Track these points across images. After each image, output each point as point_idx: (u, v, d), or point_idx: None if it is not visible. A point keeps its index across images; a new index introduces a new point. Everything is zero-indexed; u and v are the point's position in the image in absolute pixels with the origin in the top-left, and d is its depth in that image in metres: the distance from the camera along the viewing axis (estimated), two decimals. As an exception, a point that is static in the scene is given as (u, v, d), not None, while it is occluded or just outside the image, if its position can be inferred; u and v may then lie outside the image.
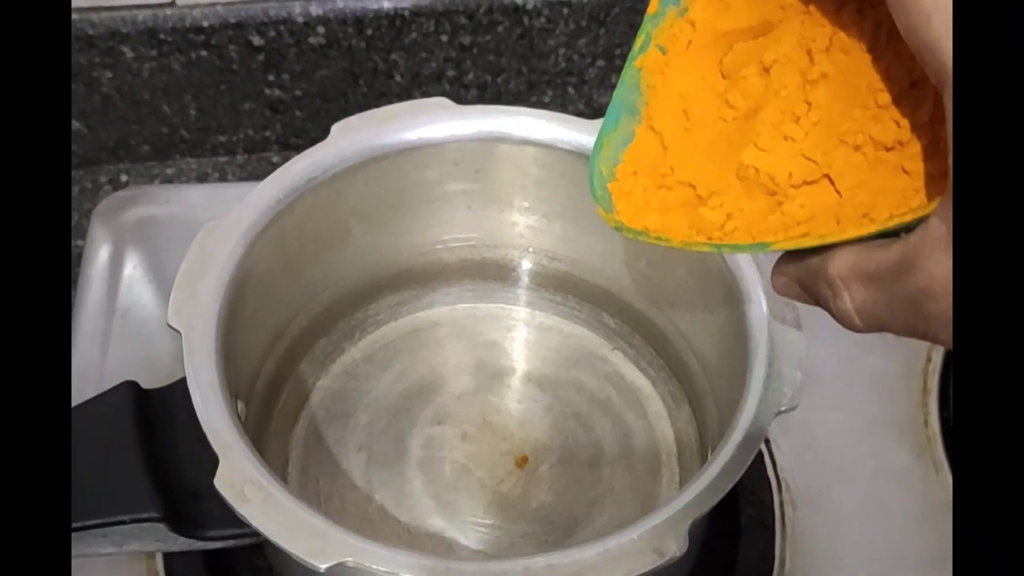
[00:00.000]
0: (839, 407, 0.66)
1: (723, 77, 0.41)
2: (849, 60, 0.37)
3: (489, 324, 0.68)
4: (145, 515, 0.50)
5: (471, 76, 0.80)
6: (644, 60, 0.42)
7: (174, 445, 0.52)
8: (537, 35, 0.78)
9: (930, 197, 0.35)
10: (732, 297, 0.55)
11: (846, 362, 0.67)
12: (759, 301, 0.54)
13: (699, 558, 0.58)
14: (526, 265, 0.67)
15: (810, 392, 0.52)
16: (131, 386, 0.53)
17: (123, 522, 0.50)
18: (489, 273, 0.67)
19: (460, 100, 0.79)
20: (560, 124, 0.59)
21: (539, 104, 0.82)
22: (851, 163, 0.37)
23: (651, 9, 0.42)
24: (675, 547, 0.46)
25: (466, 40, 0.77)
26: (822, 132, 0.38)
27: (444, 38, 0.77)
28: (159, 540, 0.51)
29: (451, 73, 0.79)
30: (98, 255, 0.71)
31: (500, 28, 0.77)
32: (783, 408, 0.51)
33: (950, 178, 0.31)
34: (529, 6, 0.76)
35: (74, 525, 0.49)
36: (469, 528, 0.59)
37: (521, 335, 0.68)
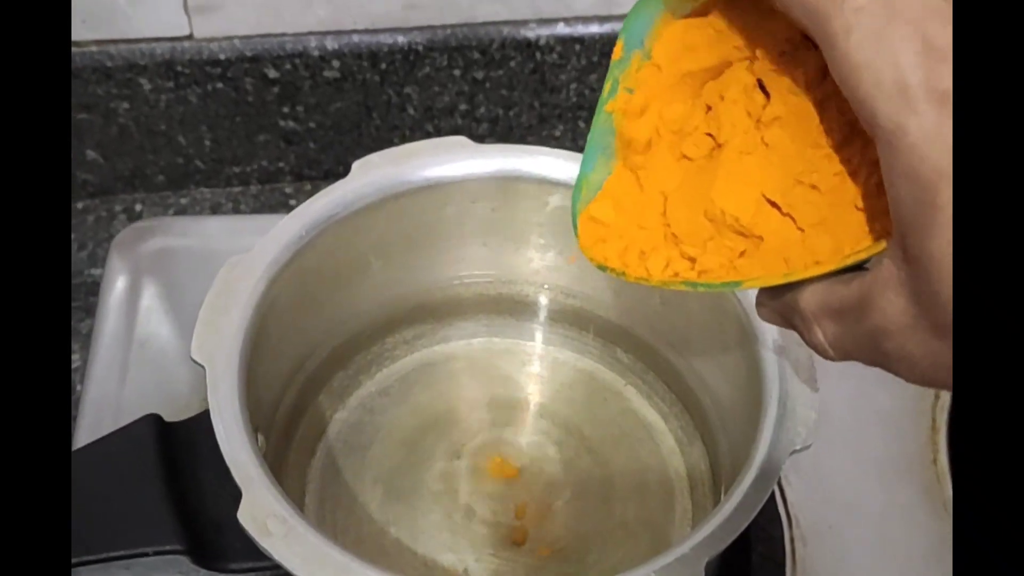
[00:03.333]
0: (849, 444, 0.66)
1: (688, 120, 0.42)
2: (799, 101, 0.38)
3: (504, 359, 0.68)
4: (168, 547, 0.50)
5: (483, 110, 0.81)
6: (614, 104, 0.43)
7: (197, 478, 0.53)
8: (549, 70, 0.79)
9: (884, 234, 0.35)
10: (746, 336, 0.56)
11: (855, 399, 0.67)
12: (773, 341, 0.54)
13: (711, 594, 0.58)
14: (541, 301, 0.68)
15: (820, 429, 0.53)
16: (154, 419, 0.54)
17: (146, 554, 0.50)
18: (505, 309, 0.68)
19: (472, 133, 0.81)
20: (577, 163, 0.60)
21: (550, 138, 0.83)
22: (809, 202, 0.38)
23: (616, 55, 0.43)
24: (691, 584, 0.46)
25: (479, 75, 0.78)
26: (780, 173, 0.39)
27: (457, 72, 0.78)
28: (181, 572, 0.52)
29: (463, 107, 0.80)
30: (116, 285, 0.71)
31: (512, 63, 0.78)
32: (797, 448, 0.51)
33: (893, 220, 0.32)
34: (541, 42, 0.77)
35: (97, 557, 0.50)
36: (484, 562, 0.59)
37: (536, 370, 0.68)
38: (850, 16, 0.32)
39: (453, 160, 0.61)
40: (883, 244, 0.35)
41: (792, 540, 0.63)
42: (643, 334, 0.65)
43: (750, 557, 0.62)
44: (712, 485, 0.62)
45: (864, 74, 0.32)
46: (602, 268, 0.44)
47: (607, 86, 0.43)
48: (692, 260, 0.42)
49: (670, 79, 0.42)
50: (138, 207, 0.81)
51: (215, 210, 0.81)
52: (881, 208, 0.36)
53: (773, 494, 0.64)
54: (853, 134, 0.37)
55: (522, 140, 0.83)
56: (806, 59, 0.38)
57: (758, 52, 0.39)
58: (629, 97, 0.43)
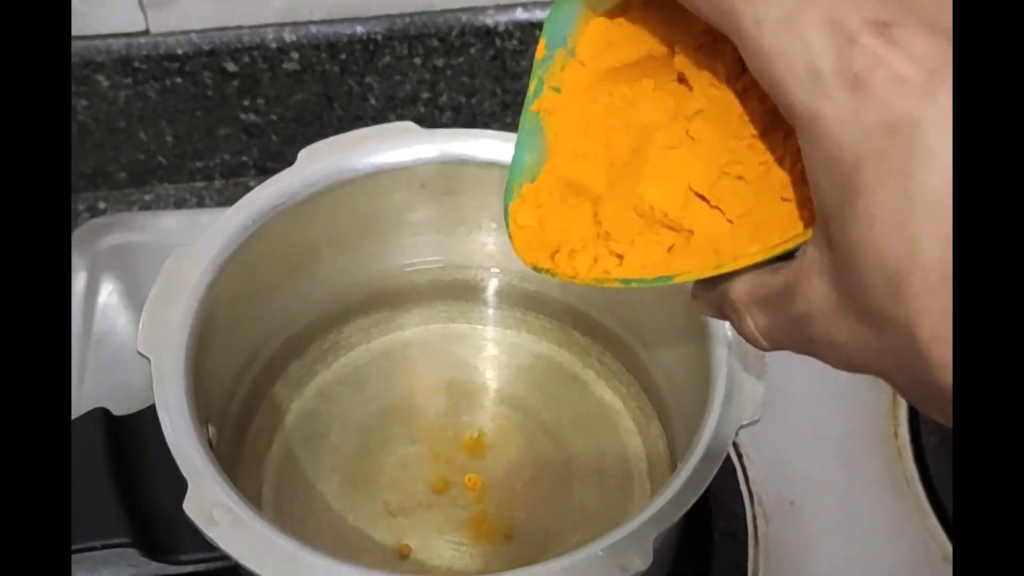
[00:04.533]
0: (809, 420, 0.66)
1: (615, 116, 0.42)
2: (719, 93, 0.38)
3: (460, 344, 0.68)
4: (116, 540, 0.50)
5: (445, 98, 0.80)
6: (540, 103, 0.43)
7: (144, 471, 0.52)
8: (510, 56, 0.79)
9: (806, 223, 0.36)
10: (694, 316, 0.56)
11: (815, 375, 0.67)
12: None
13: (672, 572, 0.58)
14: (495, 285, 0.68)
15: (780, 405, 0.53)
16: (102, 413, 0.54)
17: (95, 548, 0.50)
18: (459, 294, 0.68)
19: (434, 121, 0.81)
20: (523, 146, 0.60)
21: (513, 124, 0.82)
22: (736, 193, 0.38)
23: (538, 54, 0.43)
24: (639, 562, 0.46)
25: (439, 63, 0.78)
26: (706, 165, 0.39)
27: (417, 61, 0.78)
28: (131, 565, 0.51)
29: (425, 95, 0.80)
30: (75, 282, 0.71)
31: (472, 50, 0.78)
32: (744, 423, 0.51)
33: (815, 207, 0.32)
34: (501, 28, 0.77)
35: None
36: (443, 547, 0.59)
37: (492, 354, 0.68)
38: (759, 7, 0.32)
39: (399, 146, 0.61)
40: (809, 232, 0.35)
41: (754, 517, 0.63)
42: (598, 316, 0.65)
43: (712, 535, 0.62)
44: (670, 465, 0.62)
45: (777, 62, 0.31)
46: (536, 269, 0.44)
47: (532, 85, 0.43)
48: (620, 257, 0.42)
49: (594, 75, 0.42)
50: (102, 204, 0.81)
51: (179, 205, 0.81)
52: (806, 197, 0.36)
53: (734, 471, 0.64)
54: (775, 124, 0.37)
55: (485, 127, 0.82)
56: (724, 51, 0.38)
57: (678, 46, 0.39)
58: (555, 96, 0.43)
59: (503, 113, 0.82)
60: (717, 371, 0.53)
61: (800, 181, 0.36)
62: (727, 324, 0.54)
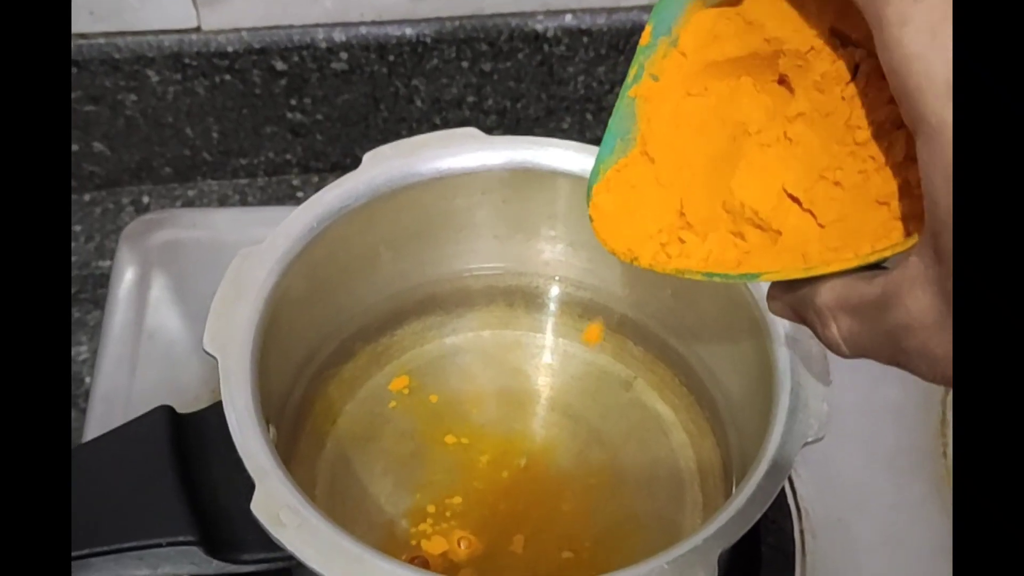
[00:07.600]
0: (859, 437, 0.66)
1: (711, 110, 0.42)
2: (824, 98, 0.38)
3: (514, 351, 0.68)
4: (181, 538, 0.50)
5: (491, 102, 0.81)
6: (638, 89, 0.43)
7: (209, 469, 0.52)
8: (557, 62, 0.79)
9: (908, 234, 0.36)
10: (757, 329, 0.56)
11: (866, 393, 0.67)
12: (785, 334, 0.54)
13: (721, 586, 0.58)
14: (551, 292, 0.68)
15: (830, 422, 0.53)
16: (166, 410, 0.54)
17: (159, 545, 0.50)
18: (515, 300, 0.68)
19: (480, 125, 0.81)
20: (588, 155, 0.60)
21: (557, 130, 0.83)
22: (831, 198, 0.38)
23: (643, 41, 0.43)
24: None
25: (487, 67, 0.78)
26: (802, 167, 0.39)
27: (465, 64, 0.78)
28: (194, 563, 0.51)
29: (471, 99, 0.80)
30: (125, 277, 0.72)
31: (520, 55, 0.78)
32: (809, 440, 0.51)
33: (927, 218, 0.32)
34: (549, 34, 0.77)
35: (110, 547, 0.50)
36: (496, 556, 0.59)
37: (546, 362, 0.68)
38: (908, 6, 0.32)
39: (464, 152, 0.61)
40: (909, 243, 0.35)
41: (802, 532, 0.63)
42: (654, 326, 0.65)
43: (760, 549, 0.62)
44: (723, 477, 0.62)
45: (915, 66, 0.32)
46: (613, 253, 0.44)
47: (632, 71, 0.43)
48: (705, 249, 0.42)
49: (694, 67, 0.42)
50: (145, 199, 0.81)
51: (222, 202, 0.81)
52: (905, 209, 0.36)
53: (783, 486, 0.64)
54: (879, 133, 0.37)
55: (529, 132, 0.83)
56: (834, 57, 0.38)
57: (786, 47, 0.39)
58: (652, 84, 0.43)
59: (548, 118, 0.82)
60: (781, 385, 0.53)
61: (900, 193, 0.36)
62: (789, 335, 0.54)
